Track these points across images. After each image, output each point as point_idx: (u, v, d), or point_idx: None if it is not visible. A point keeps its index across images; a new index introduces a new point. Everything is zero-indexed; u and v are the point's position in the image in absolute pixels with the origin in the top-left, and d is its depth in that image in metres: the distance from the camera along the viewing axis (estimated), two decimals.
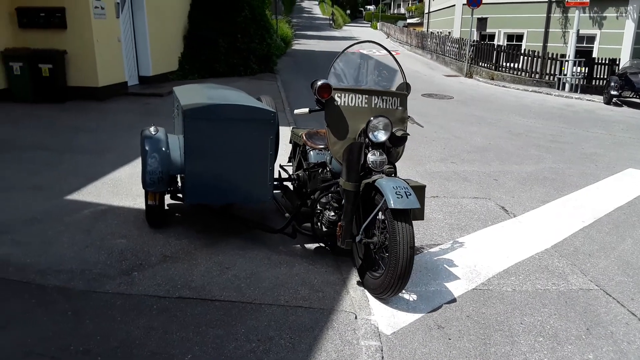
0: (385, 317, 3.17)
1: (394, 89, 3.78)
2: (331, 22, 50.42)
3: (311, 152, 4.29)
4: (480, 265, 3.97)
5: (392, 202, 3.06)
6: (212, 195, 3.98)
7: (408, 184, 3.26)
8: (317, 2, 70.52)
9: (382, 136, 3.45)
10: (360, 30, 44.97)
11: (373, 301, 3.32)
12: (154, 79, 12.50)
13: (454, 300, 3.43)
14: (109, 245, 3.83)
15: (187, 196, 3.96)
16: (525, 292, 3.58)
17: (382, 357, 2.72)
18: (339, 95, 3.54)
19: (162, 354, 2.58)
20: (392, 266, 3.08)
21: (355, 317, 3.08)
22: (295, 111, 3.73)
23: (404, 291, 3.42)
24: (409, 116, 3.81)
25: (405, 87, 3.79)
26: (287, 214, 4.12)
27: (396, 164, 3.60)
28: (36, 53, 9.42)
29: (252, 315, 3.00)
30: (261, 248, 3.96)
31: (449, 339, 2.97)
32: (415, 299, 3.41)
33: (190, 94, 4.33)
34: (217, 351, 2.64)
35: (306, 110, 3.66)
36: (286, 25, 25.86)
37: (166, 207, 4.39)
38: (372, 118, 3.45)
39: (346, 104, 3.56)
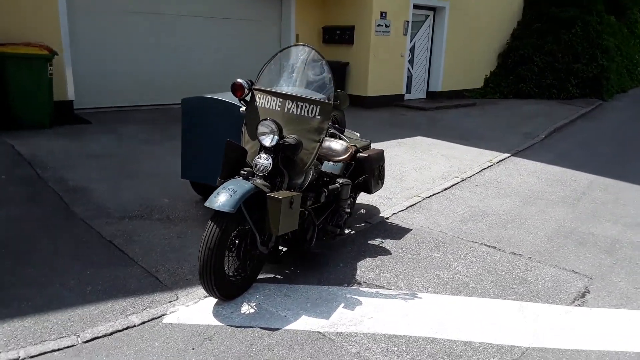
0: (188, 309, 3.04)
1: (318, 97, 3.36)
2: None
3: None
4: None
5: (207, 200, 2.95)
6: None
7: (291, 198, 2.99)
8: None
9: (266, 140, 3.23)
10: None
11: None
12: (444, 94, 12.76)
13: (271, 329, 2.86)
14: None
15: None
16: None
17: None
18: (259, 96, 3.47)
19: None
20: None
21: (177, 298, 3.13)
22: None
23: (247, 303, 3.13)
24: (341, 128, 3.34)
25: (336, 98, 3.31)
26: None
27: None
28: None
29: None
30: None
31: (193, 349, 2.65)
32: (240, 312, 3.01)
33: None
34: None
35: (243, 108, 3.70)
36: None
37: None
38: (260, 120, 3.27)
39: (262, 106, 3.45)
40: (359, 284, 3.54)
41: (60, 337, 2.69)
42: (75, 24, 8.22)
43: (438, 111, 11.38)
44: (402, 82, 11.95)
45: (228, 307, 3.11)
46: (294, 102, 3.33)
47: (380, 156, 4.52)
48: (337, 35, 11.39)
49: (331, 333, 2.93)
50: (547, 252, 4.25)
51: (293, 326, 2.96)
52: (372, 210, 5.05)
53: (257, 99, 3.45)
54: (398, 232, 4.52)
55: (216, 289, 2.98)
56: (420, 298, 3.40)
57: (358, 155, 4.28)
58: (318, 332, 2.93)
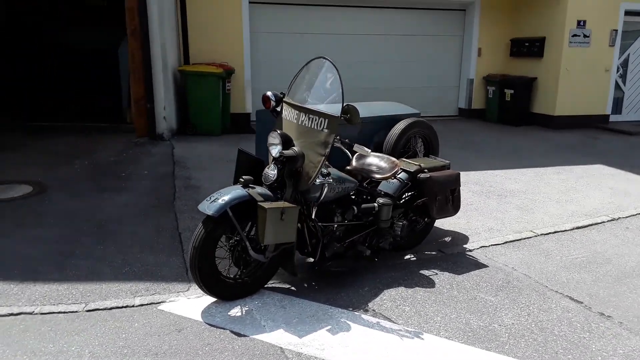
0: (188, 303, 3.22)
1: (327, 111, 3.26)
2: None
3: None
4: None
5: (200, 203, 3.18)
6: None
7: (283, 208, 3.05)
8: None
9: (273, 151, 3.30)
10: None
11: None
12: None
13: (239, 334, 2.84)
14: None
15: None
16: None
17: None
18: (285, 107, 3.56)
19: None
20: None
21: (187, 290, 3.41)
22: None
23: (242, 306, 3.23)
24: (351, 143, 3.23)
25: (346, 112, 3.19)
26: None
27: None
28: (506, 79, 10.41)
29: None
30: None
31: (158, 336, 2.83)
32: (222, 311, 3.00)
33: None
34: None
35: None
36: None
37: None
38: (271, 132, 3.35)
39: (285, 117, 3.53)
40: (366, 311, 3.29)
41: (73, 303, 3.22)
42: (256, 46, 9.34)
43: None
44: (607, 102, 10.22)
45: (220, 307, 3.24)
46: (307, 115, 3.30)
47: (452, 179, 4.09)
48: (526, 48, 10.38)
49: (292, 352, 2.82)
50: None
51: (262, 337, 2.95)
52: (459, 239, 4.55)
53: (283, 111, 3.52)
54: (467, 267, 4.00)
55: (204, 286, 3.15)
56: (422, 339, 3.00)
57: (419, 175, 3.96)
58: (280, 347, 2.86)
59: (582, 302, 3.50)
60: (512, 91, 10.19)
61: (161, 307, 3.23)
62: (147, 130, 7.56)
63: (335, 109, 3.21)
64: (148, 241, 4.18)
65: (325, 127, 3.19)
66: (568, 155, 7.89)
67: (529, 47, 10.29)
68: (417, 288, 3.61)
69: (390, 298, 3.45)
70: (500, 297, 3.53)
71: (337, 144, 3.20)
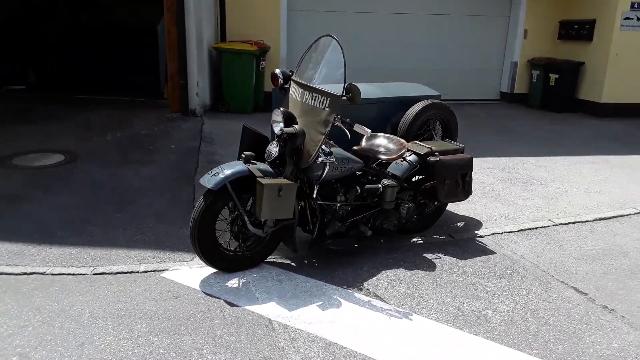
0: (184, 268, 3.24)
1: (329, 89, 3.27)
2: None
3: None
4: None
5: (201, 178, 3.29)
6: None
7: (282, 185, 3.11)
8: None
9: (276, 128, 3.36)
10: None
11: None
12: None
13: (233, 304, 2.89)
14: None
15: None
16: None
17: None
18: (292, 85, 3.60)
19: None
20: None
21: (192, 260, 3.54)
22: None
23: (240, 278, 3.34)
24: (352, 122, 3.24)
25: (348, 91, 3.19)
26: None
27: None
28: (551, 63, 9.99)
29: None
30: None
31: (155, 301, 2.97)
32: (220, 282, 3.09)
33: None
34: None
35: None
36: None
37: None
38: (275, 109, 3.40)
39: (292, 95, 3.57)
40: (360, 289, 3.33)
41: (83, 267, 3.42)
42: (293, 24, 9.35)
43: None
44: None
45: (219, 278, 3.36)
46: (310, 93, 3.33)
47: (463, 163, 4.02)
48: (574, 31, 9.90)
49: (279, 323, 2.91)
50: None
51: (253, 308, 3.05)
52: (472, 225, 4.50)
53: (291, 89, 3.55)
54: (474, 252, 3.96)
55: (203, 257, 3.27)
56: (410, 320, 3.02)
57: (428, 158, 3.92)
58: (269, 319, 2.95)
59: (586, 294, 3.40)
60: (556, 76, 9.76)
61: (164, 274, 3.38)
62: (180, 106, 7.77)
63: (338, 88, 3.22)
64: (163, 212, 4.35)
65: (327, 105, 3.20)
66: (608, 145, 7.54)
67: (578, 30, 9.80)
68: (416, 270, 3.61)
69: (387, 279, 3.47)
70: (501, 284, 3.48)
71: (338, 123, 3.21)
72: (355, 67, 9.54)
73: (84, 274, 3.33)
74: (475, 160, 4.28)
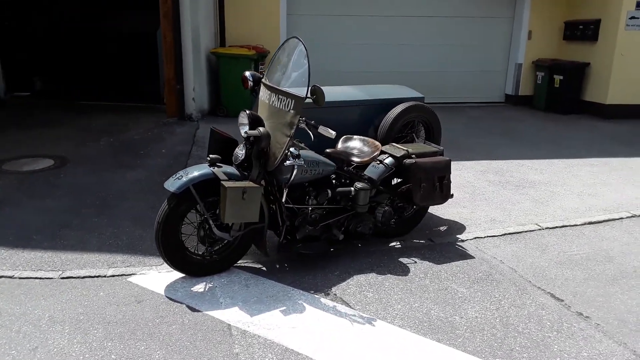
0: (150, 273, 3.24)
1: (294, 91, 3.23)
2: None
3: None
4: None
5: (166, 181, 3.28)
6: None
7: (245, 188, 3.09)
8: None
9: (241, 130, 3.33)
10: None
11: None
12: None
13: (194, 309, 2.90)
14: None
15: None
16: None
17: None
18: (262, 88, 3.58)
19: None
20: None
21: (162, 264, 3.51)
22: None
23: (207, 283, 3.31)
24: (316, 125, 3.20)
25: (312, 93, 3.16)
26: None
27: None
28: (556, 64, 9.81)
29: None
30: None
31: (117, 305, 2.97)
32: (182, 285, 3.08)
33: None
34: None
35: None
36: None
37: None
38: (241, 112, 3.38)
39: (261, 98, 3.55)
40: (327, 294, 3.28)
41: (51, 270, 3.43)
42: (293, 29, 9.34)
43: None
44: None
45: (185, 283, 3.34)
46: (277, 96, 3.30)
47: (440, 166, 3.95)
48: (579, 31, 9.71)
49: (238, 329, 2.87)
50: (637, 326, 3.03)
51: (214, 313, 3.01)
52: (455, 229, 4.41)
53: (260, 92, 3.53)
54: (452, 257, 3.87)
55: (168, 260, 3.25)
56: (373, 326, 2.96)
57: (404, 160, 3.86)
58: (228, 324, 2.91)
59: (562, 300, 3.30)
60: (561, 77, 9.58)
61: (130, 278, 3.37)
62: (177, 111, 7.81)
63: (305, 90, 3.18)
64: (142, 216, 4.35)
65: (291, 107, 3.17)
66: (610, 147, 7.37)
67: (583, 31, 9.62)
68: (388, 275, 3.54)
69: (357, 283, 3.41)
70: (474, 289, 3.40)
71: (302, 125, 3.17)
72: (357, 70, 9.67)
73: (51, 278, 3.33)
74: (469, 163, 4.21)
